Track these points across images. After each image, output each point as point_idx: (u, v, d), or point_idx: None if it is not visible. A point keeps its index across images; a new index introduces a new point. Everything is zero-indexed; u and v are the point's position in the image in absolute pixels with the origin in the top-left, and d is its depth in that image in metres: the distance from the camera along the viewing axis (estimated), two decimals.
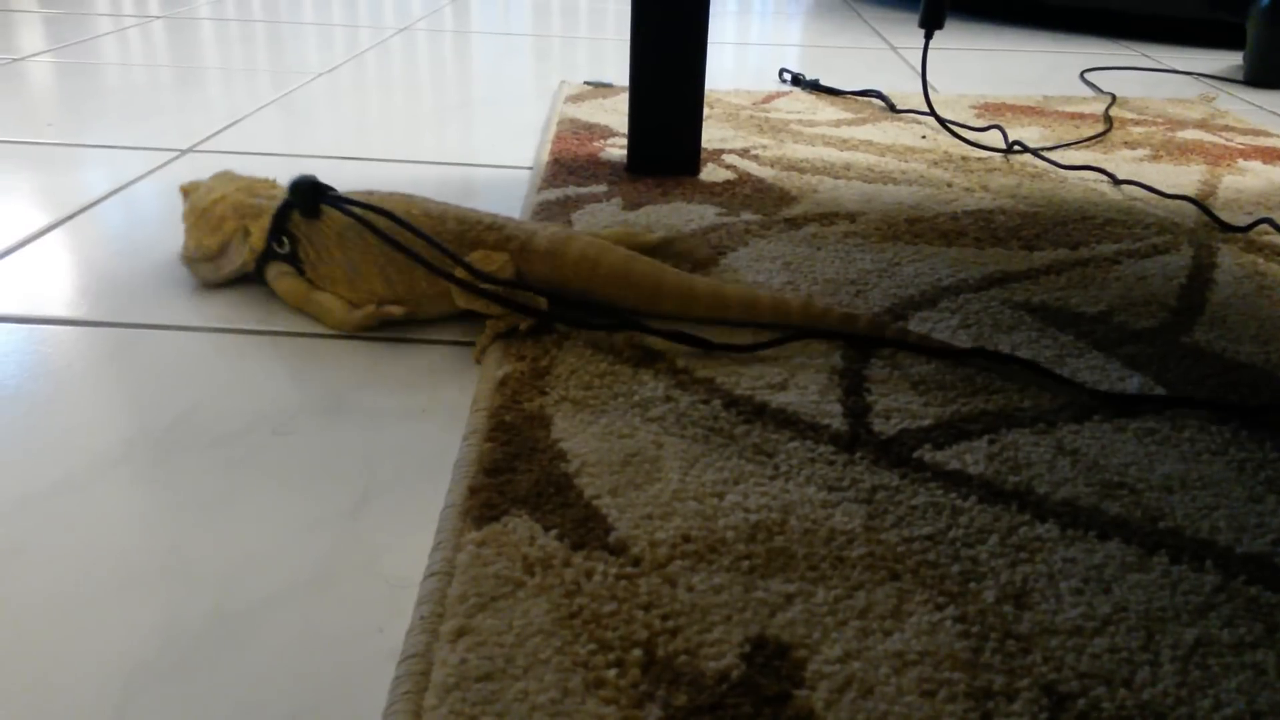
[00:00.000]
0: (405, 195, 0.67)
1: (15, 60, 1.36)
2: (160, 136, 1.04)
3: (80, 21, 1.65)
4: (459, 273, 0.61)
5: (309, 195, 0.64)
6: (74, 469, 0.50)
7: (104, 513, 0.47)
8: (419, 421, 0.55)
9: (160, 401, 0.56)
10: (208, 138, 1.04)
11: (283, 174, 0.93)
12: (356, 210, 0.63)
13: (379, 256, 0.63)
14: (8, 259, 0.74)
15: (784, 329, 0.63)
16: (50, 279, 0.71)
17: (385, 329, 0.65)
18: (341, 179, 0.92)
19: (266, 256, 0.67)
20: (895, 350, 0.62)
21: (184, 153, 0.99)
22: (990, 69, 1.54)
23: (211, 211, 0.68)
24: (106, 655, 0.39)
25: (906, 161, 1.02)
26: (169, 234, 0.78)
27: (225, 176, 0.71)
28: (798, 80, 1.36)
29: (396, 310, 0.64)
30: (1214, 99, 1.37)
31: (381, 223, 0.63)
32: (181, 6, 1.84)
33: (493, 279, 0.61)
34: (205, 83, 1.28)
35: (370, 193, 0.66)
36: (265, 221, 0.66)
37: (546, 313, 0.62)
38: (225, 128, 1.08)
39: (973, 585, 0.43)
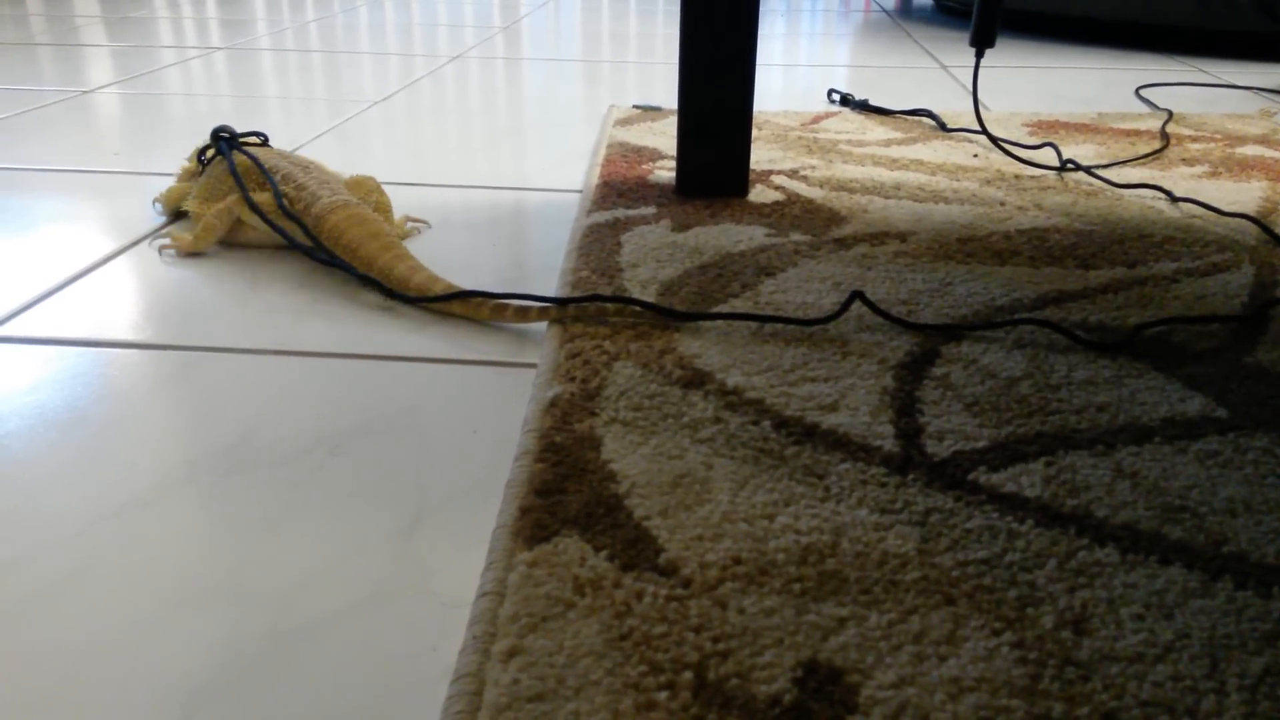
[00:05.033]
0: (301, 159, 0.85)
1: (85, 92, 1.41)
2: None
3: (146, 54, 1.70)
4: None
5: (214, 136, 0.87)
6: (138, 490, 0.51)
7: (168, 533, 0.48)
8: (471, 442, 0.56)
9: (222, 423, 0.57)
10: None
11: None
12: (249, 155, 0.85)
13: (209, 191, 0.84)
14: (76, 284, 0.76)
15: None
16: (116, 303, 0.73)
17: (441, 352, 0.66)
18: (397, 203, 0.94)
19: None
20: (948, 371, 0.61)
21: None
22: (1042, 87, 1.53)
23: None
24: (168, 674, 0.40)
25: (958, 180, 1.01)
26: (231, 259, 0.80)
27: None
28: (846, 100, 1.36)
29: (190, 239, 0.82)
30: (1275, 114, 1.34)
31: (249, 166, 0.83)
32: (242, 38, 1.89)
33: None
34: (265, 111, 1.32)
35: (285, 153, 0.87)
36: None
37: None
38: None
39: (1030, 610, 0.42)
